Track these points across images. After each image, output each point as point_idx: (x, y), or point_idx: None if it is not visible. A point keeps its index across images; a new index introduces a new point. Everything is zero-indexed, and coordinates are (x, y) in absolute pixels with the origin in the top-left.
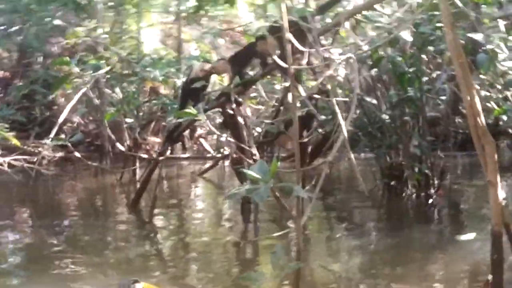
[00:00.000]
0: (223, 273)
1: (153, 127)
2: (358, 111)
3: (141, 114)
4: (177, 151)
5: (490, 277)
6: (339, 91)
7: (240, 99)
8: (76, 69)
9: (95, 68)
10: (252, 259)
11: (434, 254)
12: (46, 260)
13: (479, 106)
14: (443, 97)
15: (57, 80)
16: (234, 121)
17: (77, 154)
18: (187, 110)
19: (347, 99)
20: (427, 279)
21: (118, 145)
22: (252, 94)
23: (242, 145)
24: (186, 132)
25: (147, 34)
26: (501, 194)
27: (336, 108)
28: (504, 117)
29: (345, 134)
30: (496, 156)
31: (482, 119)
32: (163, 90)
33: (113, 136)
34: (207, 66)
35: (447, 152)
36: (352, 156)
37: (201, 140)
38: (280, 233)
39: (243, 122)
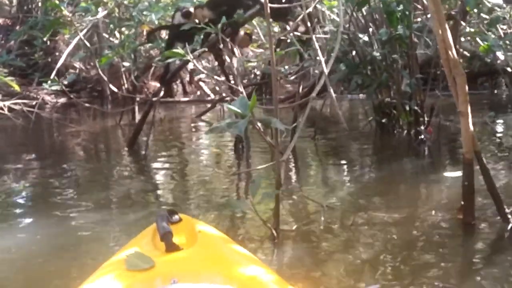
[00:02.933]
0: (216, 202)
1: (153, 71)
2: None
3: (140, 58)
4: (178, 95)
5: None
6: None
7: (228, 40)
8: (66, 12)
9: (85, 10)
10: (242, 189)
11: (417, 186)
12: (50, 197)
13: (450, 40)
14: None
15: (49, 24)
16: (221, 62)
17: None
18: (174, 50)
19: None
20: (408, 207)
21: (112, 86)
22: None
23: (231, 85)
24: (187, 76)
25: None
26: (471, 123)
27: (316, 45)
28: (501, 56)
29: (325, 70)
30: (466, 87)
31: (453, 52)
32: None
33: (105, 78)
34: (189, 13)
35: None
36: (333, 93)
37: (201, 83)
38: (263, 166)
39: (233, 63)
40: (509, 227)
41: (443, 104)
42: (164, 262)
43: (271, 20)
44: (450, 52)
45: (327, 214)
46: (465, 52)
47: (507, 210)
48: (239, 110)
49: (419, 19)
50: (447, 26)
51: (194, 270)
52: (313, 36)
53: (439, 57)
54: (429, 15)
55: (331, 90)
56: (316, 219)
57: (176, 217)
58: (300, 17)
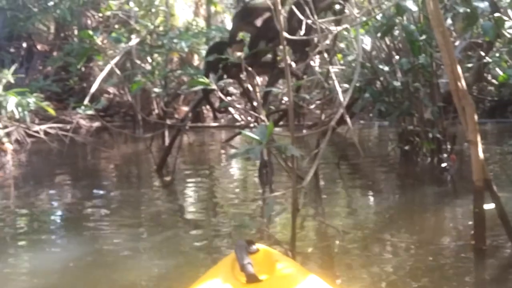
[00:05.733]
0: (244, 225)
1: (184, 97)
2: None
3: (170, 84)
4: (208, 121)
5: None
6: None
7: (250, 69)
8: (98, 42)
9: (116, 40)
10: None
11: (436, 213)
12: (83, 218)
13: (459, 71)
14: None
15: (81, 51)
16: (245, 90)
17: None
18: (200, 79)
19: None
20: (424, 233)
21: (139, 111)
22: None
23: (253, 113)
24: (217, 102)
25: (180, 6)
26: (481, 152)
27: (333, 76)
28: None
29: (341, 99)
30: (475, 117)
31: (462, 83)
32: (196, 61)
33: (134, 103)
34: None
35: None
36: (350, 121)
37: (230, 109)
38: (281, 192)
39: (255, 91)
40: None
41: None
42: None
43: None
44: (458, 83)
45: (343, 238)
46: (494, 80)
47: None
48: (256, 137)
49: None
50: (455, 58)
51: None
52: (330, 67)
53: (468, 84)
54: (456, 43)
55: (348, 119)
56: (332, 243)
57: (254, 247)
58: (316, 50)
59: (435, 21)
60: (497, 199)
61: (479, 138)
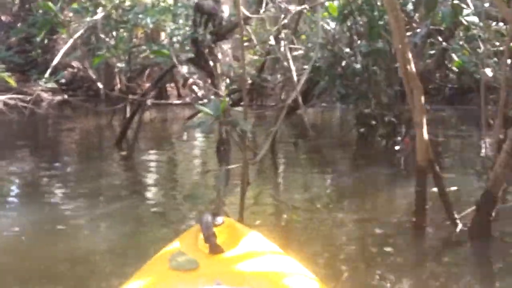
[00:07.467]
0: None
1: (148, 73)
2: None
3: (135, 60)
4: (172, 98)
5: None
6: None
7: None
8: (59, 14)
9: (75, 11)
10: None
11: (384, 192)
12: (41, 187)
13: (409, 54)
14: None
15: (42, 23)
16: (207, 66)
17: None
18: (161, 50)
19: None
20: (370, 210)
21: (100, 85)
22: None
23: (212, 88)
24: (181, 80)
25: None
26: (426, 133)
27: (288, 55)
28: (489, 72)
29: (295, 81)
30: (422, 99)
31: (412, 66)
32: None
33: (94, 77)
34: None
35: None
36: (303, 105)
37: (194, 87)
38: (234, 166)
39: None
40: (457, 230)
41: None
42: (207, 263)
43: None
44: (408, 66)
45: (291, 213)
46: (454, 68)
47: (456, 215)
48: (210, 112)
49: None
50: (406, 41)
51: (237, 272)
52: (285, 46)
53: (430, 71)
54: (417, 30)
55: (300, 100)
56: (281, 217)
57: (219, 219)
58: (275, 28)
59: (389, 5)
60: (439, 180)
61: (424, 120)
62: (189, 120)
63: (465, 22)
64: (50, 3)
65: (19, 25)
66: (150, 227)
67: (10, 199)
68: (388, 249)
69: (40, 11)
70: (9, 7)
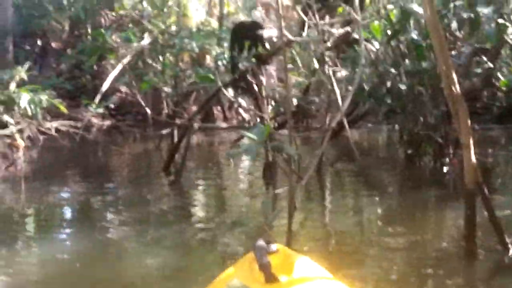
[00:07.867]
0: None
1: (195, 96)
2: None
3: (181, 84)
4: (219, 122)
5: None
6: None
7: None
8: (110, 40)
9: (126, 40)
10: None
11: (433, 215)
12: (92, 213)
13: (454, 76)
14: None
15: (92, 50)
16: (251, 89)
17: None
18: (206, 75)
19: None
20: (420, 234)
21: (148, 110)
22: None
23: (258, 112)
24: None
25: (194, 6)
26: (473, 155)
27: (333, 78)
28: None
29: (340, 103)
30: (468, 121)
31: (457, 87)
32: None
33: (143, 102)
34: None
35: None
36: (348, 127)
37: (240, 110)
38: (280, 190)
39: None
40: (509, 254)
41: (478, 137)
42: None
43: None
44: (453, 87)
45: (339, 237)
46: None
47: (507, 240)
48: (254, 137)
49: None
50: (450, 62)
51: None
52: (330, 71)
53: (477, 90)
54: (462, 48)
55: (345, 121)
56: (328, 242)
57: (273, 246)
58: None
59: (432, 26)
60: (488, 203)
61: (471, 142)
62: (235, 144)
63: (510, 42)
64: (102, 30)
65: (68, 51)
66: (199, 253)
67: (62, 224)
68: (439, 272)
69: (89, 37)
70: (59, 34)
